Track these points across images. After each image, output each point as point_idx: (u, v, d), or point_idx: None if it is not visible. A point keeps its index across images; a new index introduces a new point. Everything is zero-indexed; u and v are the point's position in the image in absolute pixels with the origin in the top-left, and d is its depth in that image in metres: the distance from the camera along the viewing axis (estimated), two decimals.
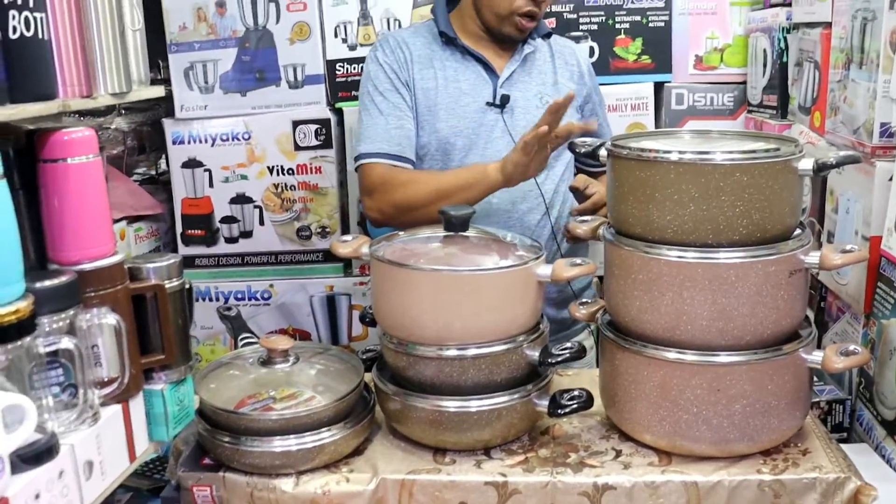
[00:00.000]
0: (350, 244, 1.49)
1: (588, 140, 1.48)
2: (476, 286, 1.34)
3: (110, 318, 1.09)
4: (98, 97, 1.17)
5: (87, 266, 1.10)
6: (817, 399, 1.61)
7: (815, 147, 1.84)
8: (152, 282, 1.19)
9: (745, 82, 2.32)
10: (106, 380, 1.11)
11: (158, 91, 1.31)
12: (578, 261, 1.39)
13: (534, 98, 1.84)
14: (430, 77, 1.82)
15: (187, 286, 1.28)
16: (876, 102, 1.54)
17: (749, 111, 2.30)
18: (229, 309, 1.74)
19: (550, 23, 2.28)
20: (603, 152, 1.43)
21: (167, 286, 1.20)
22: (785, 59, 2.04)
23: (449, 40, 1.86)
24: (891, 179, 1.53)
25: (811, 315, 1.80)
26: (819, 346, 1.45)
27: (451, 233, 1.45)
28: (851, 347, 1.35)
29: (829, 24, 1.77)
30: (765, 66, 2.16)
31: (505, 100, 1.81)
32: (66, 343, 1.01)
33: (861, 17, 1.60)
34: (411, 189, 1.74)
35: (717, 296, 1.28)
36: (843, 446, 1.42)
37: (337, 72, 2.35)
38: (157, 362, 1.20)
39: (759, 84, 2.21)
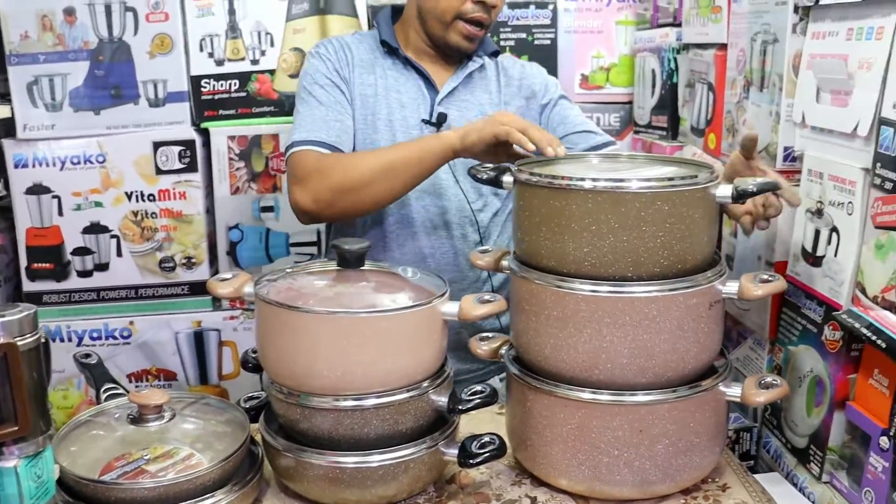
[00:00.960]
0: (230, 283, 1.34)
1: (490, 165, 1.38)
2: (376, 329, 1.21)
3: None
4: None
5: None
6: None
7: None
8: (1, 340, 1.01)
9: (631, 102, 2.30)
10: None
11: (3, 111, 1.13)
12: (488, 296, 1.29)
13: (474, 118, 1.71)
14: (371, 83, 1.70)
15: (43, 340, 1.10)
16: (779, 126, 1.52)
17: (636, 132, 2.28)
18: (88, 356, 1.54)
19: None
20: (508, 178, 1.34)
21: (20, 344, 1.03)
22: (675, 80, 2.02)
23: (391, 50, 1.75)
24: None
25: None
26: None
27: (345, 269, 1.33)
28: (770, 379, 1.32)
29: (723, 46, 1.75)
30: (653, 86, 2.14)
31: (441, 118, 1.70)
32: None
33: (761, 39, 1.58)
34: (351, 168, 1.57)
35: (638, 332, 1.21)
36: (756, 476, 1.40)
37: (202, 89, 2.18)
38: (8, 435, 1.01)
39: (647, 104, 2.18)
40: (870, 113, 1.28)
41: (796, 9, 1.49)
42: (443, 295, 1.27)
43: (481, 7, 1.66)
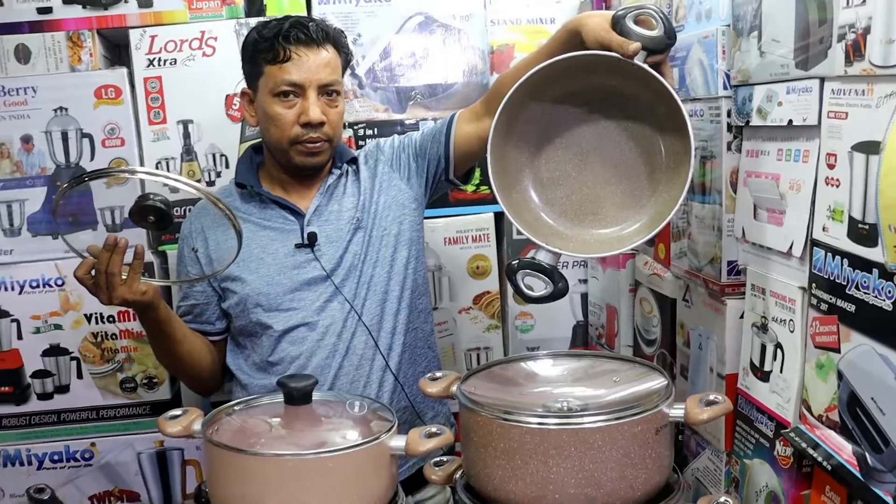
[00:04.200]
0: (179, 421, 1.33)
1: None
2: (323, 470, 1.21)
3: None
4: None
5: None
6: None
7: (662, 279, 1.84)
8: None
9: None
10: None
11: None
12: (435, 429, 1.29)
13: (346, 225, 1.76)
14: (233, 235, 1.67)
15: None
16: (721, 241, 1.55)
17: None
18: (42, 490, 1.53)
19: None
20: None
21: None
22: None
23: (249, 191, 1.79)
24: (741, 318, 1.53)
25: None
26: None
27: (292, 405, 1.33)
28: (722, 499, 1.31)
29: None
30: None
31: (312, 238, 1.73)
32: None
33: (700, 154, 1.62)
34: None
35: (585, 462, 1.21)
36: None
37: None
38: None
39: None
40: (802, 234, 1.32)
41: (730, 127, 1.53)
42: (390, 430, 1.27)
43: (310, 127, 1.69)
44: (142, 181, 2.10)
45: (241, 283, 1.74)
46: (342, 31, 1.78)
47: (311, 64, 1.68)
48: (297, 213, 1.77)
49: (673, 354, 1.81)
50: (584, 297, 2.32)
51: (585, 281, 2.31)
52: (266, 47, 1.68)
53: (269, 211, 1.78)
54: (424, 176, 1.84)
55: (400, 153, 1.85)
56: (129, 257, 1.59)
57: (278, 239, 1.75)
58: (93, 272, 1.59)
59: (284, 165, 1.76)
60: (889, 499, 1.11)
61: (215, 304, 1.81)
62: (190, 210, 1.95)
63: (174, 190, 1.81)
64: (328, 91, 1.71)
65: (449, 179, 1.84)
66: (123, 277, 1.58)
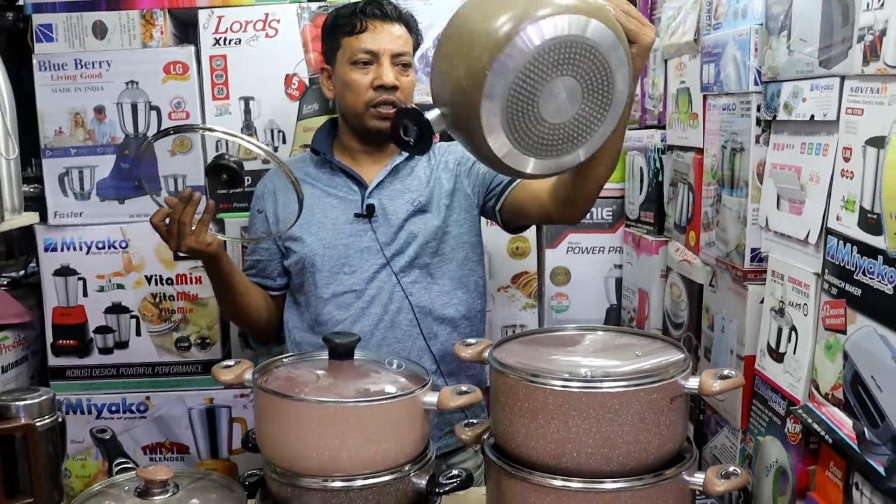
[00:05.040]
0: (232, 370, 1.46)
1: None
2: (362, 417, 1.33)
3: None
4: None
5: None
6: None
7: (691, 265, 1.92)
8: (22, 421, 1.14)
9: (622, 197, 2.42)
10: None
11: (32, 218, 1.28)
12: (465, 388, 1.40)
13: (404, 205, 1.88)
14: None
15: (60, 420, 1.22)
16: (746, 229, 1.63)
17: (627, 225, 2.39)
18: (104, 431, 1.66)
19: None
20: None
21: (38, 425, 1.15)
22: (661, 178, 2.14)
23: (321, 158, 1.94)
24: (762, 303, 1.61)
25: (691, 429, 1.86)
26: (701, 458, 1.49)
27: (336, 360, 1.45)
28: (731, 469, 1.39)
29: (700, 150, 1.88)
30: (641, 183, 2.26)
31: (370, 209, 1.85)
32: None
33: (731, 147, 1.70)
34: None
35: (602, 424, 1.30)
36: None
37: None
38: None
39: (636, 200, 2.30)
40: (818, 223, 1.40)
41: (759, 121, 1.61)
42: (424, 386, 1.39)
43: (383, 90, 1.83)
44: (206, 149, 2.24)
45: (302, 243, 1.89)
46: (413, 16, 1.92)
47: (384, 34, 1.84)
48: (361, 184, 1.90)
49: (698, 337, 1.90)
50: (619, 281, 2.41)
51: (620, 266, 2.41)
52: (344, 22, 1.85)
53: (337, 179, 1.92)
54: (478, 200, 1.96)
55: (470, 162, 1.95)
56: (200, 210, 1.76)
57: (340, 206, 1.89)
58: (167, 220, 1.75)
59: (358, 131, 1.90)
60: (881, 468, 1.19)
61: (277, 262, 1.96)
62: (259, 180, 2.10)
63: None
64: (401, 62, 1.85)
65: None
66: (193, 229, 1.73)
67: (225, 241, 2.00)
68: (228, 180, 1.83)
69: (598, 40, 1.31)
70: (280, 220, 1.94)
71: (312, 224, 1.89)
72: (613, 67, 1.34)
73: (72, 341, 2.36)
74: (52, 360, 2.36)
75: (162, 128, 2.27)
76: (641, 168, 2.24)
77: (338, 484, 1.33)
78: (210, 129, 1.80)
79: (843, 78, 1.33)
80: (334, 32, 1.88)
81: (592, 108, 1.36)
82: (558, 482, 1.33)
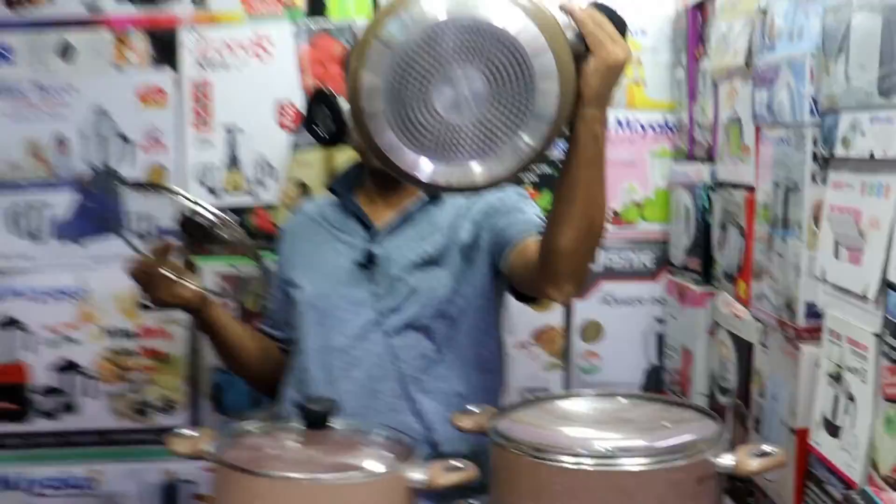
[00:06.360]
0: (188, 440, 1.50)
1: None
2: (339, 497, 1.37)
3: None
4: None
5: None
6: None
7: (741, 321, 1.95)
8: None
9: (665, 241, 2.46)
10: None
11: None
12: (459, 464, 1.44)
13: (411, 254, 1.92)
14: (309, 238, 2.04)
15: None
16: (800, 280, 1.66)
17: (671, 272, 2.43)
18: None
19: None
20: None
21: None
22: (708, 220, 2.18)
23: (336, 199, 2.05)
24: (818, 367, 1.63)
25: None
26: None
27: (311, 429, 1.50)
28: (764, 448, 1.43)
29: (752, 188, 1.91)
30: (687, 224, 2.30)
31: (370, 257, 1.92)
32: None
33: (784, 185, 1.73)
34: None
35: None
36: None
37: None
38: None
39: (681, 244, 2.35)
40: (877, 275, 1.43)
41: (815, 157, 1.65)
42: (410, 460, 1.43)
43: None
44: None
45: (298, 289, 1.99)
46: None
47: None
48: (369, 228, 1.98)
49: (748, 405, 1.92)
50: (661, 337, 2.45)
51: (662, 321, 2.44)
52: None
53: (350, 223, 2.01)
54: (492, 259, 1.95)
55: (495, 214, 1.95)
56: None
57: (345, 253, 1.97)
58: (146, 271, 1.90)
59: (375, 169, 1.95)
60: None
61: (283, 310, 2.07)
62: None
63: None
64: None
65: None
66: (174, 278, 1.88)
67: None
68: (203, 237, 1.94)
69: (516, 35, 1.37)
70: (283, 262, 2.09)
71: (312, 269, 1.99)
72: (536, 73, 1.39)
73: (7, 404, 2.42)
74: None
75: (135, 162, 2.37)
76: (687, 207, 2.28)
77: None
78: (184, 196, 1.92)
79: None
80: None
81: (503, 114, 1.41)
82: None
